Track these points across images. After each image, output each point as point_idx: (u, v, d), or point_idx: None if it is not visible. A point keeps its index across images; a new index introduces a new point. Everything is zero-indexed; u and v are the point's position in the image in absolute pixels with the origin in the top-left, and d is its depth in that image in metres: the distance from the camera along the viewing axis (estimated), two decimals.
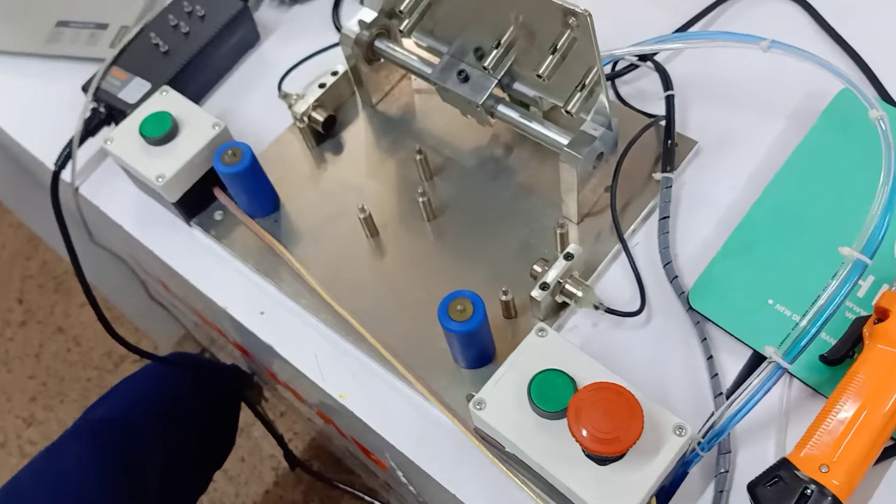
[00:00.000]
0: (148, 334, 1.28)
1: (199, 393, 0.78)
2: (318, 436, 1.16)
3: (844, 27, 0.57)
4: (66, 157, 0.61)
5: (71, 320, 1.39)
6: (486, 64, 0.47)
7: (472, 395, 0.42)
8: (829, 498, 0.39)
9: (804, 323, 0.40)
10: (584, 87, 0.44)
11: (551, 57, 0.43)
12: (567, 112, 0.45)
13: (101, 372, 1.34)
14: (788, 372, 0.45)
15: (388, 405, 0.49)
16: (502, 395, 0.42)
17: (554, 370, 0.41)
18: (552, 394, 0.41)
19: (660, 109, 0.55)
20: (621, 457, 0.40)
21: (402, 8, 0.52)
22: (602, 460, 0.40)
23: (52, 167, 0.61)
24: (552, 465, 0.40)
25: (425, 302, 0.51)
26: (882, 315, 0.43)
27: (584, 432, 0.38)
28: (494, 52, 0.47)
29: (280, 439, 0.95)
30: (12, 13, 0.73)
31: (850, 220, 0.45)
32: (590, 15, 0.39)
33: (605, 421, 0.38)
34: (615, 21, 0.52)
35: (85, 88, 0.63)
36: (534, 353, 0.43)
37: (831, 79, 0.47)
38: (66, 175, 0.62)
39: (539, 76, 0.43)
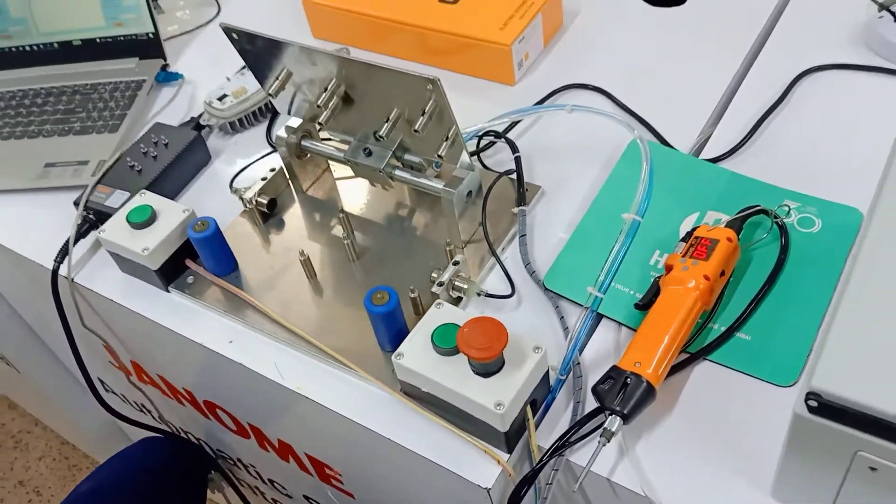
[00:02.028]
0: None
1: (179, 464, 0.91)
2: None
3: (631, 103, 0.81)
4: (62, 255, 0.78)
5: (30, 472, 1.46)
6: (381, 133, 0.67)
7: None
8: (644, 382, 0.56)
9: (606, 267, 0.60)
10: (448, 139, 0.65)
11: (422, 118, 0.63)
12: (439, 156, 0.65)
13: None
14: (607, 317, 0.64)
15: (334, 388, 0.65)
16: (414, 347, 0.59)
17: (448, 323, 0.59)
18: (448, 338, 0.58)
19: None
20: (499, 370, 0.56)
21: (321, 120, 0.72)
22: (485, 373, 0.56)
23: (51, 265, 0.78)
24: (452, 384, 0.57)
25: (356, 317, 0.68)
26: (668, 269, 0.63)
27: (469, 347, 0.55)
28: (385, 126, 0.67)
29: None
30: (5, 162, 0.91)
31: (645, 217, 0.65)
32: (439, 80, 0.60)
33: (481, 338, 0.55)
34: (469, 114, 0.75)
35: (76, 203, 0.80)
36: (434, 318, 0.60)
37: (626, 136, 0.69)
38: (62, 270, 0.78)
39: (416, 131, 0.64)
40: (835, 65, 0.79)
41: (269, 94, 0.73)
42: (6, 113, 0.96)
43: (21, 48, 1.02)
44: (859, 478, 0.46)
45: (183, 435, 0.99)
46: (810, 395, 0.44)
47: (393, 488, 0.71)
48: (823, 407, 0.43)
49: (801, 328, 0.61)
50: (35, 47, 1.02)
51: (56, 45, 1.01)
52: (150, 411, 1.03)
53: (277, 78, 0.72)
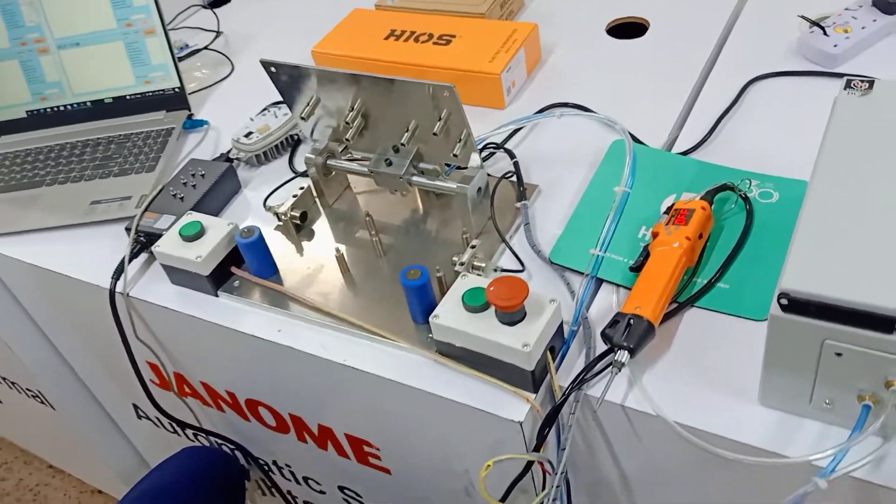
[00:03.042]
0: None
1: (221, 471, 0.98)
2: None
3: (608, 114, 0.94)
4: (118, 272, 0.87)
5: None
6: (402, 141, 0.79)
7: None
8: (645, 321, 0.67)
9: (604, 232, 0.71)
10: (461, 140, 0.77)
11: (440, 122, 0.75)
12: (454, 155, 0.77)
13: None
14: (606, 281, 0.75)
15: (376, 359, 0.74)
16: (448, 310, 0.69)
17: (475, 287, 0.69)
18: (476, 297, 0.68)
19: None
20: (522, 319, 0.67)
21: (348, 137, 0.84)
22: (511, 322, 0.67)
23: (108, 283, 0.87)
24: (484, 333, 0.67)
25: (389, 301, 0.78)
26: (655, 236, 0.75)
27: (497, 298, 0.65)
28: (406, 135, 0.79)
29: None
30: (55, 202, 1.01)
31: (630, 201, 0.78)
32: (454, 87, 0.72)
33: (507, 291, 0.66)
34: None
35: (128, 228, 0.90)
36: (461, 285, 0.71)
37: (608, 140, 0.82)
38: (118, 288, 0.87)
39: (435, 134, 0.76)
40: (777, 72, 0.94)
41: (302, 118, 0.84)
42: (48, 164, 1.07)
43: (56, 108, 1.14)
44: (829, 367, 0.57)
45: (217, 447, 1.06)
46: (781, 295, 0.55)
47: (429, 450, 0.80)
48: (793, 304, 0.55)
49: (768, 276, 0.72)
50: (69, 107, 1.13)
51: (89, 104, 1.13)
52: (184, 429, 1.10)
53: (308, 104, 0.83)
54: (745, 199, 0.78)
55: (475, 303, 0.68)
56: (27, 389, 1.26)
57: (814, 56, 0.94)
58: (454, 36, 1.05)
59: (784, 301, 0.55)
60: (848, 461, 0.55)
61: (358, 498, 1.00)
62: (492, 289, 0.66)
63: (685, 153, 0.87)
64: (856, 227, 0.57)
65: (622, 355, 0.65)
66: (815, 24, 0.95)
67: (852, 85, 0.69)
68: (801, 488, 0.55)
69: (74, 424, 1.25)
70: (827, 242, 0.56)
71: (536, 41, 1.05)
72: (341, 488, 1.00)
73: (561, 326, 0.70)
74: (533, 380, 0.67)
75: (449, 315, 0.69)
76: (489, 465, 0.66)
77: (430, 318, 0.69)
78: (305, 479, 1.03)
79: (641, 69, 1.01)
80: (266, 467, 1.05)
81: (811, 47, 0.94)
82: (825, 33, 0.93)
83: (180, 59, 1.22)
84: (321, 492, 1.04)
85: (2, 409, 1.44)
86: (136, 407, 1.15)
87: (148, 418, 1.16)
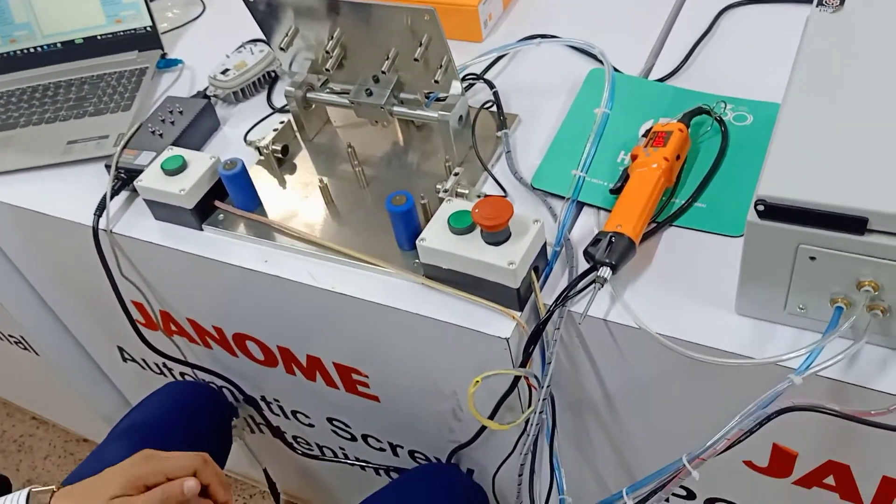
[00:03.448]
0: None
1: (208, 406, 0.99)
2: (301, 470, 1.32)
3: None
4: (101, 209, 0.87)
5: (37, 471, 1.51)
6: (383, 69, 0.79)
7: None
8: (626, 238, 0.69)
9: (585, 153, 0.72)
10: (441, 66, 0.77)
11: (420, 48, 0.76)
12: (435, 81, 0.78)
13: None
14: (587, 204, 0.76)
15: (363, 284, 0.76)
16: (434, 233, 0.70)
17: (460, 210, 0.71)
18: (462, 219, 0.70)
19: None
20: (507, 239, 0.68)
21: (328, 66, 0.84)
22: (496, 242, 0.68)
23: (90, 220, 0.87)
24: (471, 254, 0.68)
25: (375, 229, 0.79)
26: (634, 158, 0.76)
27: (482, 218, 0.67)
28: (386, 63, 0.79)
29: (265, 472, 1.14)
30: (30, 143, 1.00)
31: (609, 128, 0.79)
32: (434, 10, 0.72)
33: (492, 210, 0.67)
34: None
35: (107, 166, 0.90)
36: (446, 209, 0.72)
37: (585, 69, 0.83)
38: (101, 224, 0.87)
39: (416, 59, 0.76)
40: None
41: (280, 49, 0.84)
42: (20, 106, 1.05)
43: (26, 50, 1.11)
44: (803, 271, 0.59)
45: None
46: (758, 202, 0.57)
47: (417, 374, 0.82)
48: (769, 209, 0.57)
49: (743, 194, 0.74)
50: (40, 48, 1.11)
51: (59, 45, 1.11)
52: (171, 370, 1.11)
53: (286, 34, 0.83)
54: (720, 121, 0.80)
55: (461, 224, 0.69)
56: (9, 336, 1.26)
57: None
58: None
59: (761, 207, 0.57)
60: (821, 360, 0.58)
61: (347, 428, 1.02)
62: (477, 210, 0.68)
63: (661, 80, 0.88)
64: (828, 135, 0.59)
65: (605, 271, 0.67)
66: None
67: (824, 2, 0.70)
68: (777, 386, 0.58)
69: (59, 371, 1.26)
70: (801, 151, 0.58)
71: None
72: (330, 420, 1.02)
73: (544, 247, 0.71)
74: (518, 298, 0.69)
75: (435, 238, 0.70)
76: (478, 381, 0.68)
77: (416, 242, 0.70)
78: (294, 412, 1.05)
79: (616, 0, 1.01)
80: (254, 403, 1.07)
81: None
82: None
83: None
84: (310, 425, 1.06)
85: None
86: (121, 350, 1.16)
87: (134, 360, 1.16)
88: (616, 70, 0.90)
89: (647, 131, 0.78)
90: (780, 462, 0.71)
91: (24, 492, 0.68)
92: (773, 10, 0.93)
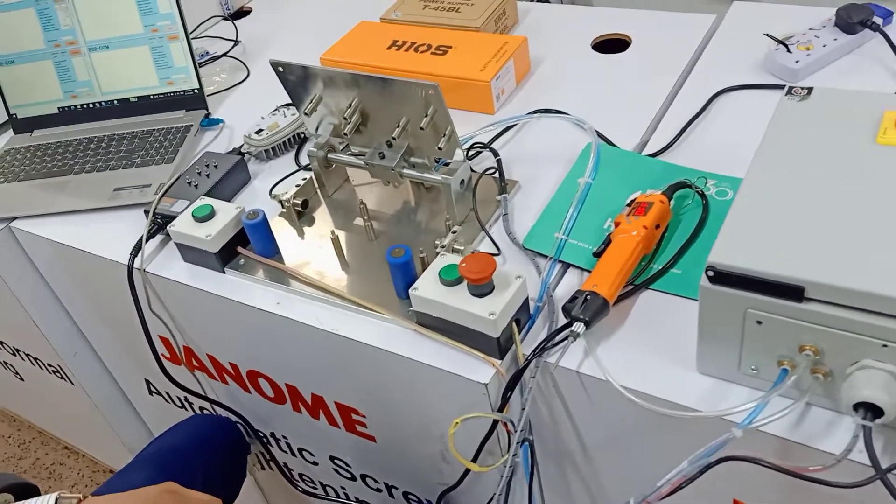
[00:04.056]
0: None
1: (228, 440, 1.06)
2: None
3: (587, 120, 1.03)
4: (136, 250, 0.96)
5: None
6: (393, 136, 0.88)
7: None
8: (601, 298, 0.75)
9: (567, 218, 0.79)
10: (445, 135, 0.85)
11: (426, 118, 0.84)
12: (439, 149, 0.86)
13: None
14: (572, 265, 0.83)
15: (362, 328, 0.83)
16: (427, 283, 0.78)
17: (451, 264, 0.78)
18: (451, 272, 0.77)
19: None
20: (491, 292, 0.75)
21: (346, 131, 0.93)
22: (480, 294, 0.75)
23: (127, 259, 0.96)
24: (457, 304, 0.75)
25: (377, 279, 0.86)
26: (617, 225, 0.83)
27: (468, 271, 0.74)
28: (396, 130, 0.88)
29: None
30: (81, 188, 1.11)
31: (595, 194, 0.86)
32: (438, 86, 0.81)
33: (477, 265, 0.74)
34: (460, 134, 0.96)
35: (146, 211, 1.00)
36: (439, 262, 0.79)
37: (583, 141, 0.90)
38: (136, 264, 0.96)
39: (422, 128, 0.84)
40: (743, 85, 1.02)
41: (305, 114, 0.93)
42: (76, 155, 1.17)
43: (86, 105, 1.24)
44: (752, 334, 0.64)
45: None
46: (708, 268, 0.63)
47: (409, 416, 0.88)
48: (718, 275, 0.63)
49: None
50: (98, 104, 1.23)
51: (116, 101, 1.23)
52: (191, 404, 1.19)
53: (311, 101, 0.93)
54: (702, 195, 0.86)
55: (450, 277, 0.77)
56: (48, 365, 1.35)
57: (777, 71, 1.02)
58: (451, 47, 1.14)
59: (711, 273, 0.63)
60: (764, 416, 0.63)
61: (347, 467, 1.08)
62: (464, 264, 0.75)
63: (654, 155, 0.95)
64: (779, 210, 0.65)
65: (578, 326, 0.73)
66: (780, 42, 1.03)
67: (793, 91, 0.77)
68: (721, 436, 0.63)
69: (91, 400, 1.34)
70: (752, 223, 0.65)
71: (526, 53, 1.14)
72: (332, 458, 1.08)
73: (527, 301, 0.78)
74: (499, 347, 0.75)
75: (427, 288, 0.77)
76: (457, 423, 0.74)
77: (409, 291, 0.78)
78: (300, 450, 1.12)
79: (622, 81, 1.09)
80: (265, 440, 1.13)
81: (775, 63, 1.02)
82: (788, 50, 1.02)
83: (201, 64, 1.32)
84: (314, 462, 1.12)
85: (23, 387, 1.53)
86: (148, 382, 1.24)
87: (159, 393, 1.24)
88: (612, 144, 0.97)
89: (632, 201, 0.85)
90: None
91: (53, 496, 0.75)
92: (763, 96, 1.00)
